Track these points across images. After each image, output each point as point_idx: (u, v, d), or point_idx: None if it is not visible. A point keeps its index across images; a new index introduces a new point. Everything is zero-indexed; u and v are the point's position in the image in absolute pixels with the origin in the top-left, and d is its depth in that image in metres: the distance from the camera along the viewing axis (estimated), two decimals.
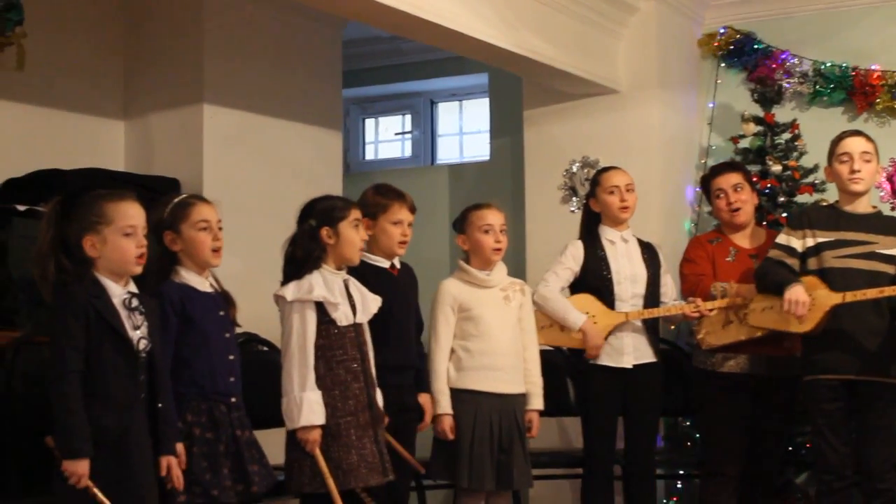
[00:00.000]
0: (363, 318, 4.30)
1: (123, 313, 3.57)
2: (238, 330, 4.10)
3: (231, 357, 3.96)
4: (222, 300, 4.00)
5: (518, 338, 4.83)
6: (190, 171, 6.03)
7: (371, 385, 4.29)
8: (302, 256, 4.23)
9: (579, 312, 5.19)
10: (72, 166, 5.62)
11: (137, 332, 3.58)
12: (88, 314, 3.48)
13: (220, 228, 3.97)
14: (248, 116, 6.31)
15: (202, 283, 3.96)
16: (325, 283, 4.20)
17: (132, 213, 3.61)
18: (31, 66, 5.61)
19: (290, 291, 4.18)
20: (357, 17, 5.64)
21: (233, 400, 3.93)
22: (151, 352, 3.62)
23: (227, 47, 6.23)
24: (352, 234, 4.25)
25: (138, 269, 3.61)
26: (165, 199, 4.01)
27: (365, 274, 4.46)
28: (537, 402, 4.85)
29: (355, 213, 4.29)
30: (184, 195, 4.06)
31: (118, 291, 3.58)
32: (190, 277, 3.93)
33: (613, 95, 6.79)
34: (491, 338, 4.73)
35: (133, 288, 3.63)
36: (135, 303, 3.60)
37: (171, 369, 3.76)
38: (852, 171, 4.94)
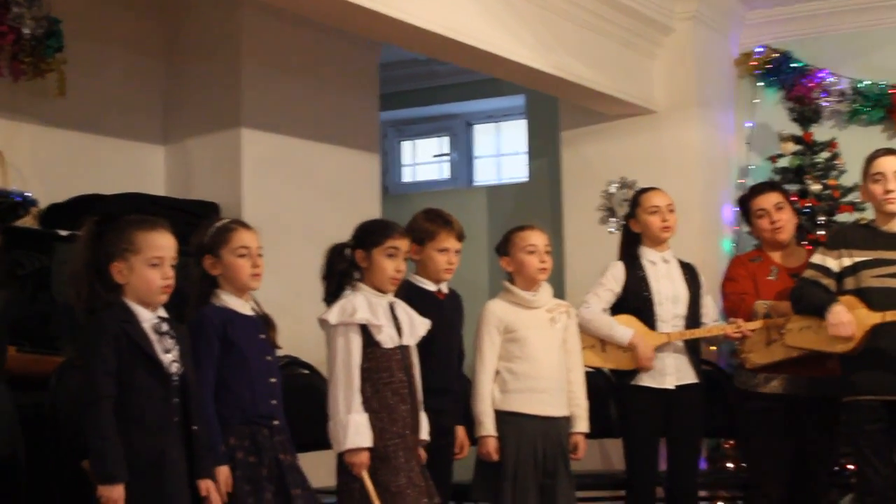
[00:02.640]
0: (410, 340, 4.26)
1: (154, 337, 3.54)
2: (278, 353, 4.07)
3: (272, 380, 3.92)
4: (263, 323, 3.97)
5: (563, 360, 4.77)
6: (229, 194, 6.03)
7: (417, 408, 4.25)
8: (336, 274, 4.22)
9: (625, 327, 5.15)
10: (113, 191, 5.62)
11: (169, 356, 3.55)
12: (119, 339, 3.46)
13: (259, 255, 3.95)
14: (286, 140, 6.30)
15: (243, 306, 3.93)
16: (369, 306, 4.17)
17: (161, 244, 3.57)
18: (72, 92, 5.62)
19: (334, 315, 4.15)
20: (394, 40, 5.63)
21: (275, 423, 3.89)
22: (184, 375, 3.58)
23: (265, 71, 6.23)
24: (383, 263, 4.20)
25: (163, 300, 3.58)
26: (207, 223, 4.00)
27: (411, 296, 4.42)
28: (582, 425, 4.79)
29: (393, 242, 4.22)
30: (226, 220, 4.03)
31: (148, 316, 3.55)
32: (230, 300, 3.90)
33: (650, 116, 6.78)
34: (536, 360, 4.68)
35: (163, 313, 3.61)
36: (165, 327, 3.58)
37: (213, 392, 3.75)
38: (886, 191, 4.89)
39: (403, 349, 4.23)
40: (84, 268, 3.53)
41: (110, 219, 3.61)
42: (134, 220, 3.60)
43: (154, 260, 3.53)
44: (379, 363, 4.16)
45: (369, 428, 4.09)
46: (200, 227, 3.96)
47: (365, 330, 4.15)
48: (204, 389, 3.72)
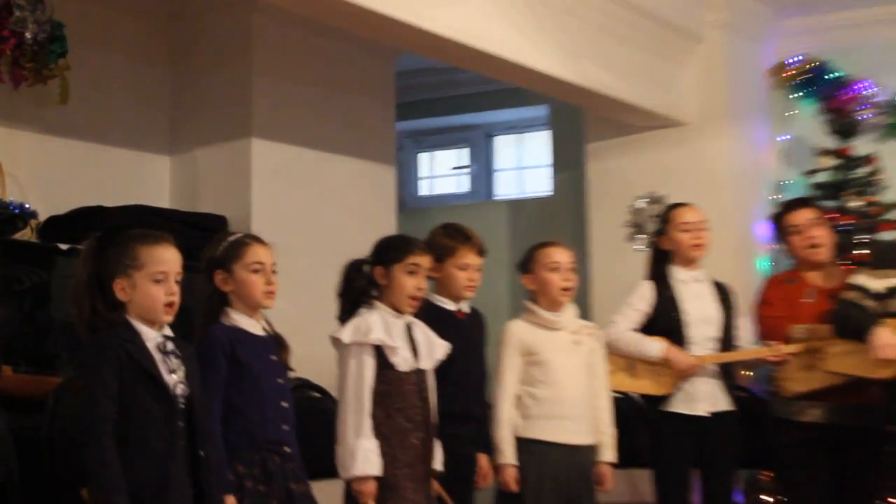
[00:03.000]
0: (427, 364, 4.23)
1: (158, 357, 3.50)
2: (292, 374, 4.05)
3: (284, 404, 3.88)
4: (274, 344, 3.94)
5: (588, 384, 4.74)
6: (238, 207, 6.02)
7: (431, 436, 4.21)
8: (353, 291, 4.21)
9: (655, 340, 5.12)
10: (115, 203, 5.61)
11: (174, 377, 3.51)
12: (121, 359, 3.42)
13: (274, 272, 3.93)
14: (298, 151, 6.29)
15: (253, 326, 3.90)
16: (385, 326, 4.14)
17: (165, 258, 3.54)
18: (75, 99, 5.61)
19: (348, 333, 4.13)
20: (412, 47, 5.63)
21: (286, 450, 3.85)
22: (189, 397, 3.54)
23: (277, 79, 6.22)
24: (403, 280, 4.18)
25: (168, 318, 3.55)
26: (220, 237, 3.99)
27: (430, 316, 4.39)
28: (609, 455, 4.75)
29: (415, 259, 4.20)
30: (240, 234, 4.02)
31: (152, 335, 3.52)
32: (240, 319, 3.88)
33: (680, 128, 6.78)
34: (559, 384, 4.65)
35: (168, 331, 3.58)
36: (170, 346, 3.54)
37: (221, 416, 3.72)
38: None
39: (419, 373, 4.20)
40: (85, 284, 3.51)
41: (112, 233, 3.59)
42: (137, 235, 3.57)
43: (158, 276, 3.51)
44: (392, 387, 4.13)
45: (378, 455, 4.06)
46: (212, 241, 3.95)
47: (379, 351, 4.13)
48: (211, 413, 3.69)
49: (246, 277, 3.87)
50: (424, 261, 4.23)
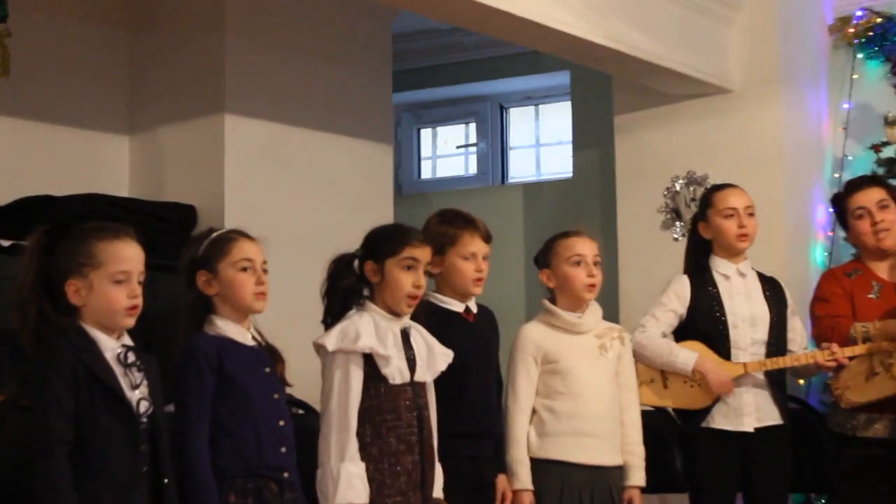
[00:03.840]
0: (425, 376, 4.24)
1: (118, 370, 3.53)
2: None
3: (281, 423, 3.93)
4: (267, 355, 3.99)
5: (615, 397, 4.77)
6: (208, 195, 6.06)
7: (428, 460, 4.22)
8: (340, 290, 4.23)
9: (689, 351, 5.15)
10: (66, 192, 5.64)
11: (136, 393, 3.54)
12: (76, 371, 3.44)
13: (265, 271, 3.98)
14: (278, 129, 6.33)
15: (243, 335, 3.94)
16: (377, 331, 4.15)
17: (126, 256, 3.57)
18: (17, 72, 5.64)
19: (333, 339, 4.13)
20: (410, 6, 5.63)
21: (285, 475, 3.89)
22: (153, 416, 3.58)
23: (253, 45, 6.25)
24: (398, 277, 4.19)
25: (129, 323, 3.58)
26: (201, 234, 4.03)
27: (434, 320, 4.40)
28: (638, 477, 4.77)
29: (412, 252, 4.20)
30: (224, 230, 4.05)
31: (110, 344, 3.55)
32: (228, 327, 3.91)
33: (725, 96, 6.78)
34: (582, 397, 4.67)
35: (127, 340, 3.60)
36: (131, 357, 3.57)
37: (207, 439, 3.76)
38: None
39: (416, 386, 4.21)
40: (31, 285, 3.53)
41: (64, 226, 3.61)
42: (93, 229, 3.59)
43: (119, 276, 3.53)
44: (383, 402, 4.14)
45: (365, 481, 4.07)
46: (192, 238, 4.00)
47: (369, 360, 4.14)
48: (196, 436, 3.74)
49: (233, 277, 3.90)
50: (423, 253, 4.24)
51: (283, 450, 3.91)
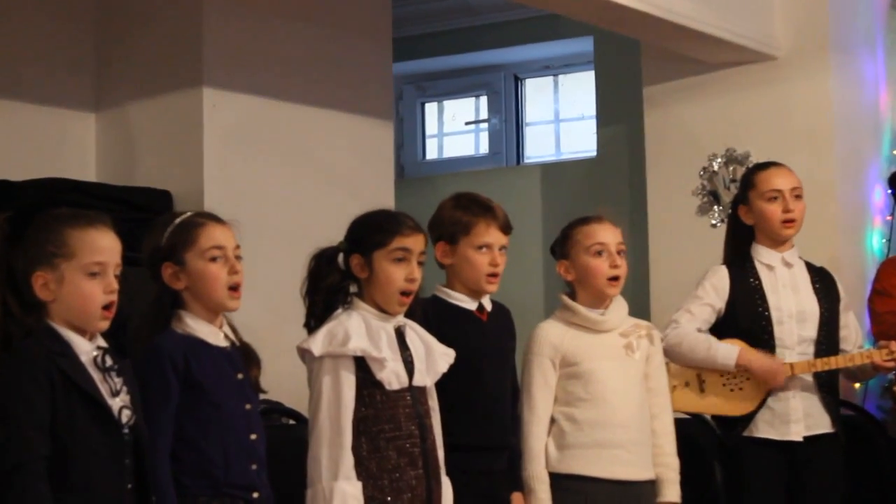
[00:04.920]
0: (424, 379, 4.24)
1: (96, 375, 3.52)
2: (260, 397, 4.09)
3: (253, 436, 3.92)
4: (241, 357, 3.97)
5: (644, 403, 4.77)
6: (185, 179, 6.08)
7: (434, 474, 4.22)
8: (323, 289, 4.22)
9: (728, 344, 5.17)
10: (25, 176, 5.66)
11: (117, 400, 3.53)
12: (52, 378, 3.42)
13: (238, 257, 3.95)
14: (264, 103, 6.34)
15: (214, 335, 3.92)
16: (368, 331, 4.15)
17: (102, 246, 3.55)
18: None
19: (319, 343, 4.12)
20: None
21: (255, 496, 3.89)
22: (135, 427, 3.57)
23: (235, 9, 6.25)
24: (389, 271, 4.17)
25: (104, 325, 3.56)
26: (163, 220, 3.99)
27: (442, 318, 4.42)
28: (672, 493, 4.76)
29: (403, 241, 4.18)
30: (188, 213, 4.01)
31: (85, 346, 3.53)
32: (197, 326, 3.90)
33: (768, 63, 6.80)
34: (607, 403, 4.67)
35: (101, 342, 3.59)
36: (108, 361, 3.56)
37: (169, 453, 3.75)
38: None
39: (415, 391, 4.20)
40: None
41: (29, 213, 3.60)
42: (65, 215, 3.58)
43: (93, 268, 3.51)
44: (380, 411, 4.14)
45: (362, 501, 4.06)
46: (153, 225, 3.95)
47: (361, 364, 4.13)
48: (157, 449, 3.72)
49: (203, 268, 3.87)
50: (416, 242, 4.21)
51: (254, 467, 3.89)
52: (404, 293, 4.18)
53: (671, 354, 5.13)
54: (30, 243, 3.52)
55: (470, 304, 4.59)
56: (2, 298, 3.49)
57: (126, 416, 3.53)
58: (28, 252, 3.51)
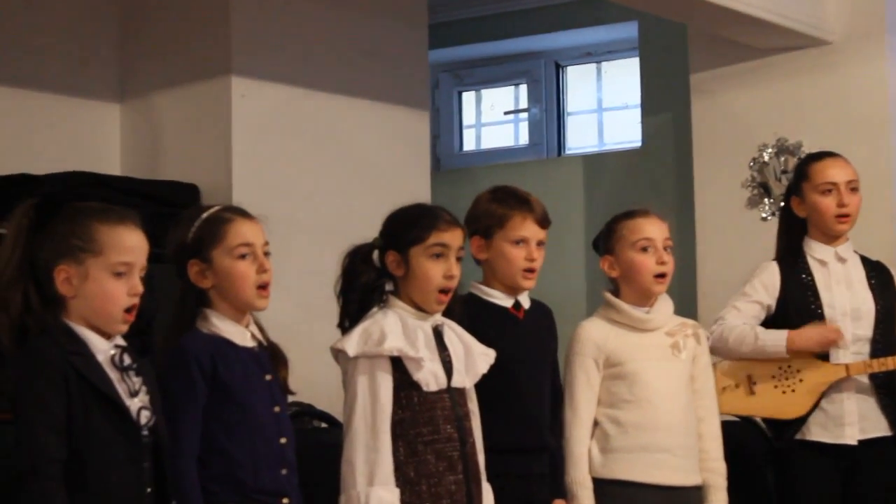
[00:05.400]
0: (464, 380, 4.25)
1: (114, 375, 3.53)
2: (289, 399, 4.08)
3: (282, 440, 3.93)
4: (269, 358, 3.98)
5: (691, 405, 4.76)
6: (213, 172, 6.10)
7: (474, 479, 4.23)
8: (358, 289, 4.22)
9: (777, 331, 5.17)
10: (46, 170, 5.69)
11: (136, 401, 3.54)
12: (67, 377, 3.43)
13: (267, 255, 3.95)
14: (296, 93, 6.36)
15: (241, 335, 3.93)
16: (404, 330, 4.16)
17: (130, 244, 3.56)
18: None
19: (354, 343, 4.13)
20: None
21: (285, 501, 3.90)
22: (155, 428, 3.58)
23: None
24: (426, 267, 4.17)
25: (123, 328, 3.56)
26: (189, 214, 3.98)
27: (477, 315, 4.42)
28: (719, 499, 4.76)
29: (440, 237, 4.18)
30: (215, 207, 4.01)
31: (102, 345, 3.54)
32: (224, 326, 3.90)
33: (821, 49, 6.78)
34: (652, 405, 4.67)
35: (120, 340, 3.59)
36: (126, 360, 3.57)
37: (195, 458, 3.76)
38: None
39: (454, 393, 4.21)
40: (16, 271, 3.51)
41: (55, 203, 3.60)
42: (94, 209, 3.59)
43: (120, 267, 3.51)
44: (417, 413, 4.14)
45: None
46: (179, 220, 3.95)
47: (398, 365, 4.14)
48: (184, 454, 3.73)
49: (230, 266, 3.87)
50: (454, 237, 4.21)
51: (284, 472, 3.90)
52: (443, 291, 4.18)
53: (718, 351, 5.14)
54: (55, 234, 3.52)
55: (506, 302, 4.60)
56: (23, 289, 3.49)
57: (145, 417, 3.54)
58: (52, 243, 3.52)
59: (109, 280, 3.50)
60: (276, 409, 3.94)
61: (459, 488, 4.17)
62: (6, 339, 3.48)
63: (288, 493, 3.90)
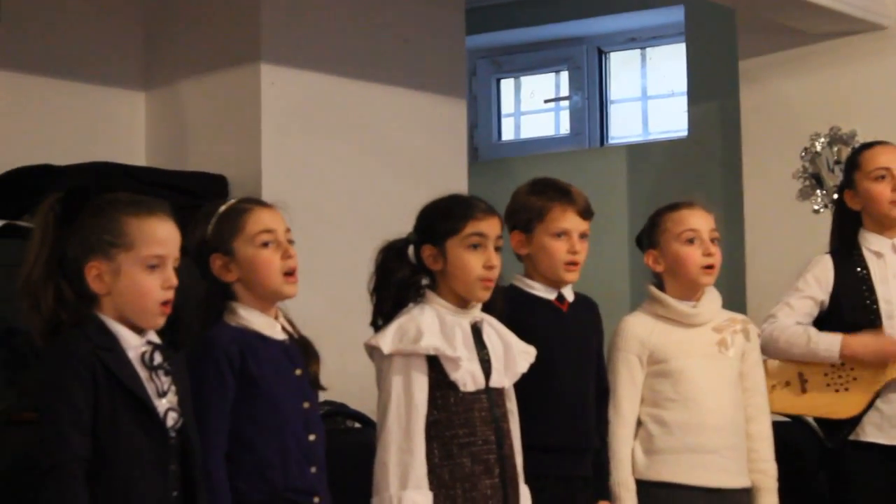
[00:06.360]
0: (502, 380, 4.24)
1: (143, 374, 3.53)
2: (321, 396, 4.09)
3: (312, 437, 3.93)
4: (299, 352, 3.98)
5: (739, 404, 4.76)
6: (242, 163, 6.11)
7: (511, 482, 4.22)
8: (393, 285, 4.21)
9: (830, 334, 5.14)
10: (68, 160, 5.71)
11: (164, 402, 3.55)
12: (96, 374, 3.43)
13: (290, 241, 3.95)
14: (327, 81, 6.37)
15: (270, 326, 3.94)
16: (442, 328, 4.15)
17: (163, 236, 3.55)
18: (11, 18, 5.69)
19: (389, 340, 4.12)
20: None
21: (315, 500, 3.91)
22: (183, 430, 3.59)
23: None
24: (464, 260, 4.16)
25: (160, 322, 3.56)
26: (206, 210, 3.98)
27: (519, 309, 4.42)
28: (770, 501, 4.77)
29: (476, 226, 4.17)
30: (232, 200, 4.03)
31: (134, 342, 3.54)
32: (252, 318, 3.91)
33: (876, 34, 6.77)
34: (698, 404, 4.67)
35: (153, 337, 3.59)
36: (157, 358, 3.56)
37: (224, 455, 3.77)
38: None
39: (492, 393, 4.20)
40: (45, 265, 3.50)
41: (81, 195, 3.59)
42: (123, 202, 3.58)
43: (153, 260, 3.51)
44: (453, 414, 4.14)
45: None
46: (198, 216, 3.96)
47: (434, 364, 4.14)
48: (212, 451, 3.74)
49: (254, 255, 3.87)
50: (491, 226, 4.20)
51: (313, 470, 3.90)
52: (485, 280, 4.16)
53: (769, 351, 5.12)
54: (83, 229, 3.52)
55: (549, 294, 4.59)
56: (54, 287, 3.48)
57: (172, 419, 3.54)
58: (81, 239, 3.51)
59: (142, 274, 3.50)
60: (306, 404, 3.94)
61: (496, 492, 4.17)
62: (39, 339, 3.49)
63: (318, 491, 3.91)
